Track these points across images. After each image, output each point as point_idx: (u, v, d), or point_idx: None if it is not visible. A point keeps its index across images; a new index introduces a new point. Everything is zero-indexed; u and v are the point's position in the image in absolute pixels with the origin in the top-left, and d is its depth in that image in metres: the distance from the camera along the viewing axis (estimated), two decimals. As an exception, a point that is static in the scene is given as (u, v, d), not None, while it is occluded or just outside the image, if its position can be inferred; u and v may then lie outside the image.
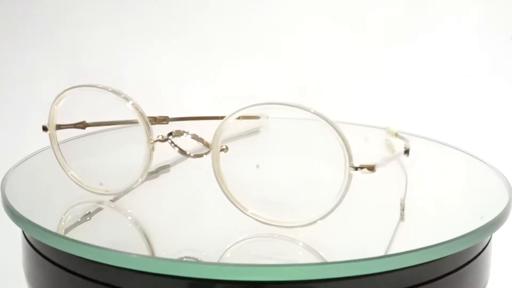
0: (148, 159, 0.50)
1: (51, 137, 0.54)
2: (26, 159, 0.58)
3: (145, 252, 0.45)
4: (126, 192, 0.51)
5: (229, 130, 0.47)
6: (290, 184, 0.56)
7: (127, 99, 0.51)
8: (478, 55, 0.90)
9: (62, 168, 0.54)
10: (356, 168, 0.45)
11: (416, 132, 0.66)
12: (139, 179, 0.51)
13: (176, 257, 0.44)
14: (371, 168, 0.45)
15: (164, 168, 0.57)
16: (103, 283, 0.44)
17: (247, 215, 0.47)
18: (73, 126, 0.58)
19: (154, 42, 0.94)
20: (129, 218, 0.51)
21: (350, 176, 0.45)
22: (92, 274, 0.44)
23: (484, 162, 0.59)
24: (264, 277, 0.41)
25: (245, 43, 0.93)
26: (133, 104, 0.51)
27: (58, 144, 0.54)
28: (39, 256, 0.48)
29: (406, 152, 0.56)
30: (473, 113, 0.91)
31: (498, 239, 0.54)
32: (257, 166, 0.61)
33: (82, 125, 0.58)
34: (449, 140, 0.65)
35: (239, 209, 0.47)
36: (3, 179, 0.53)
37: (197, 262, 0.42)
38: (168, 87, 0.93)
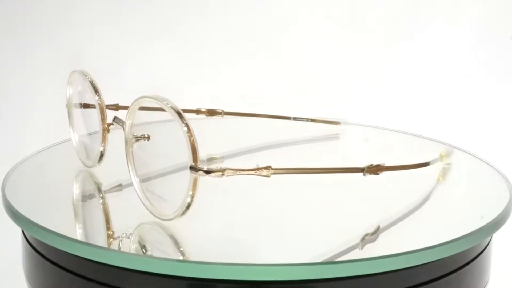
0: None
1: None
2: (26, 159, 0.58)
3: (141, 250, 0.45)
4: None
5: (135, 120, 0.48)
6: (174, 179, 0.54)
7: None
8: (478, 55, 0.90)
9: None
10: (198, 170, 0.43)
11: (417, 132, 0.66)
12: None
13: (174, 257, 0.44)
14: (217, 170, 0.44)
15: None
16: (103, 283, 0.44)
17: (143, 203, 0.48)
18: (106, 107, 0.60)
19: (154, 42, 0.94)
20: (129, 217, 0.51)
21: (193, 178, 0.44)
22: (92, 274, 0.44)
23: (485, 162, 0.59)
24: (264, 277, 0.41)
25: (244, 42, 0.93)
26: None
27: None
28: (39, 256, 0.48)
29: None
30: (474, 112, 0.91)
31: (498, 239, 0.54)
32: (257, 165, 0.61)
33: (115, 107, 0.59)
34: (449, 140, 0.65)
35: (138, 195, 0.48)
36: (4, 179, 0.53)
37: (197, 262, 0.42)
38: (168, 87, 0.93)
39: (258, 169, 0.45)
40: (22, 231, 0.51)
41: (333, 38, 0.93)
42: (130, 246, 0.45)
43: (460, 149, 0.62)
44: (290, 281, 0.41)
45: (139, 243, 0.46)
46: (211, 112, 0.64)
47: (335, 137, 0.67)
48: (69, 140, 0.62)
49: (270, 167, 0.45)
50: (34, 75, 0.95)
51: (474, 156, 0.61)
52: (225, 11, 0.94)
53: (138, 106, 0.48)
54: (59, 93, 0.94)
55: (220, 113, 0.64)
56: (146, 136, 0.49)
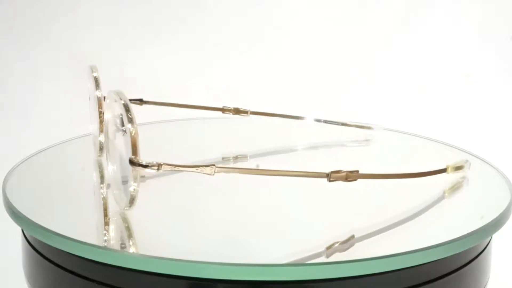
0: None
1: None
2: (27, 159, 0.58)
3: (144, 251, 0.45)
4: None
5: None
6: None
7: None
8: (478, 55, 0.90)
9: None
10: (135, 163, 0.44)
11: (417, 132, 0.66)
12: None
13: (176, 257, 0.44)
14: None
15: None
16: (103, 283, 0.44)
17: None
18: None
19: (155, 42, 0.94)
20: (129, 216, 0.51)
21: (133, 171, 0.45)
22: (92, 274, 0.44)
23: (485, 162, 0.59)
24: (264, 277, 0.41)
25: (244, 42, 0.93)
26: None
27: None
28: (39, 256, 0.48)
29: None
30: (474, 112, 0.91)
31: (498, 239, 0.54)
32: (257, 166, 0.61)
33: (139, 101, 0.62)
34: (449, 140, 0.65)
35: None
36: (4, 179, 0.53)
37: (197, 262, 0.42)
38: (168, 86, 0.93)
39: (199, 166, 0.45)
40: (22, 231, 0.51)
41: (333, 38, 0.93)
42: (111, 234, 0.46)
43: (460, 149, 0.62)
44: (290, 281, 0.41)
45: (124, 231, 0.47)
46: (237, 111, 0.64)
47: (365, 143, 0.66)
48: (69, 140, 0.63)
49: (214, 165, 0.45)
50: (34, 75, 0.95)
51: (474, 156, 0.61)
52: (227, 11, 0.94)
53: (111, 100, 0.49)
54: (59, 93, 0.94)
55: (246, 112, 0.64)
56: (123, 130, 0.50)
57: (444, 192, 0.54)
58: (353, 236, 0.46)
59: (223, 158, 0.61)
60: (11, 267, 0.68)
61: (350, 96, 0.92)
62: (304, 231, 0.49)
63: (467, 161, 0.56)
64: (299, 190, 0.54)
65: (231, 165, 0.59)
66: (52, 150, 0.60)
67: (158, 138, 0.67)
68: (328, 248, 0.44)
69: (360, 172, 0.47)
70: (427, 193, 0.54)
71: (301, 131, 0.67)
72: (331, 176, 0.46)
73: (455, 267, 0.46)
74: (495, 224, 0.48)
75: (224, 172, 0.46)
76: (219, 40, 0.94)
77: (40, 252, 0.48)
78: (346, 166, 0.47)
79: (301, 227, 0.49)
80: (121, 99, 0.46)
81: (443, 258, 0.44)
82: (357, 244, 0.46)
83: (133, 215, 0.51)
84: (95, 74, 0.58)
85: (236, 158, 0.61)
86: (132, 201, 0.46)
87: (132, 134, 0.45)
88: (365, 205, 0.53)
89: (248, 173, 0.48)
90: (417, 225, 0.50)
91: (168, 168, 0.45)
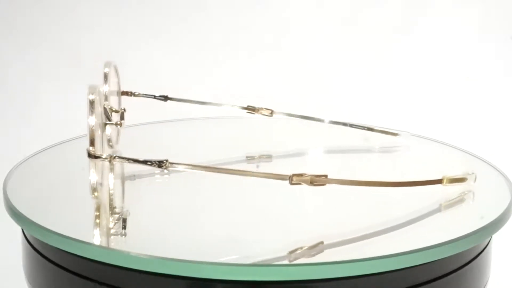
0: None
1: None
2: (27, 159, 0.58)
3: (144, 251, 0.45)
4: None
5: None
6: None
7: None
8: (478, 55, 0.90)
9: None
10: (90, 155, 0.47)
11: (417, 132, 0.66)
12: None
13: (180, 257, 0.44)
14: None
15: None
16: (103, 283, 0.44)
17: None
18: (153, 96, 0.64)
19: (154, 42, 0.94)
20: (129, 216, 0.51)
21: (92, 161, 0.47)
22: (92, 274, 0.44)
23: (485, 162, 0.59)
24: (264, 277, 0.41)
25: (244, 42, 0.93)
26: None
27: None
28: (39, 256, 0.48)
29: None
30: (474, 112, 0.91)
31: (498, 239, 0.54)
32: (257, 166, 0.61)
33: (164, 98, 0.64)
34: (450, 140, 0.65)
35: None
36: (5, 179, 0.53)
37: (197, 262, 0.42)
38: (168, 86, 0.93)
39: (151, 161, 0.47)
40: (23, 231, 0.51)
41: (335, 38, 0.93)
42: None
43: (460, 149, 0.62)
44: (290, 281, 0.41)
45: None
46: (260, 111, 0.64)
47: (392, 149, 0.64)
48: (69, 140, 0.63)
49: (167, 160, 0.47)
50: (34, 75, 0.95)
51: (474, 156, 0.61)
52: (227, 11, 0.94)
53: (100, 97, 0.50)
54: (59, 93, 0.94)
55: (269, 112, 0.64)
56: (118, 123, 0.54)
57: (440, 205, 0.52)
58: (322, 242, 0.46)
59: (247, 157, 0.62)
60: (11, 267, 0.68)
61: (350, 95, 0.92)
62: (280, 233, 0.48)
63: (472, 173, 0.54)
64: (300, 192, 0.53)
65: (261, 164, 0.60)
66: (52, 150, 0.60)
67: (182, 135, 0.68)
68: (291, 252, 0.44)
69: (329, 177, 0.47)
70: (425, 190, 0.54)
71: (325, 134, 0.67)
72: (292, 179, 0.46)
73: (455, 267, 0.46)
74: (495, 224, 0.48)
75: (176, 168, 0.47)
76: (222, 40, 0.94)
77: (40, 252, 0.48)
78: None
79: (281, 228, 0.49)
80: (92, 94, 0.48)
81: (443, 258, 0.45)
82: (363, 246, 0.46)
83: (133, 215, 0.51)
84: (106, 70, 0.59)
85: (260, 157, 0.61)
86: (93, 190, 0.48)
87: (91, 128, 0.47)
88: (359, 209, 0.53)
89: (202, 170, 0.49)
90: (417, 225, 0.50)
91: (119, 160, 0.47)
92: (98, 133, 0.47)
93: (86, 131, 0.60)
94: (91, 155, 0.47)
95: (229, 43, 0.94)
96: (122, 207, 0.52)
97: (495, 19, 0.90)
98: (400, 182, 0.50)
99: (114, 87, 0.61)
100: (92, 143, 0.47)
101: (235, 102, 0.66)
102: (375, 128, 0.64)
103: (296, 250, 0.44)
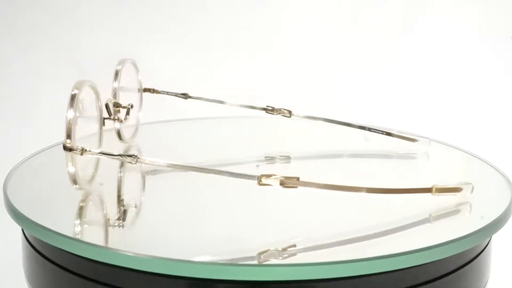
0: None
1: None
2: (28, 159, 0.58)
3: (144, 251, 0.45)
4: None
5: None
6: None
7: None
8: (478, 55, 0.90)
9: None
10: (64, 147, 0.49)
11: (418, 132, 0.66)
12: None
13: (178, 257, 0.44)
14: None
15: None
16: (103, 283, 0.44)
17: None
18: (174, 94, 0.66)
19: (154, 42, 0.94)
20: (129, 215, 0.51)
21: (68, 154, 0.49)
22: (92, 274, 0.44)
23: (485, 162, 0.59)
24: (264, 277, 0.41)
25: (245, 42, 0.93)
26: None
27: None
28: (39, 256, 0.48)
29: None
30: (474, 112, 0.91)
31: (498, 239, 0.54)
32: (257, 166, 0.61)
33: (184, 96, 0.66)
34: (450, 140, 0.64)
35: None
36: (5, 179, 0.53)
37: (197, 262, 0.42)
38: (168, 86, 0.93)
39: (121, 155, 0.49)
40: (23, 231, 0.51)
41: (335, 38, 0.93)
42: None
43: (460, 149, 0.62)
44: (290, 281, 0.41)
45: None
46: (279, 112, 0.64)
47: (411, 155, 0.63)
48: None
49: (135, 155, 0.48)
50: (34, 75, 0.95)
51: (474, 156, 0.61)
52: (227, 11, 0.94)
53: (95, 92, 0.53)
54: (59, 93, 0.94)
55: (288, 113, 0.64)
56: (117, 118, 0.56)
57: (430, 215, 0.50)
58: (294, 245, 0.45)
59: (265, 157, 0.62)
60: (11, 267, 0.68)
61: (350, 95, 0.92)
62: (268, 233, 0.48)
63: (470, 184, 0.51)
64: (300, 195, 0.53)
65: (276, 164, 0.61)
66: (52, 150, 0.60)
67: (203, 134, 0.69)
68: (261, 253, 0.44)
69: (301, 179, 0.46)
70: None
71: (344, 137, 0.66)
72: (261, 180, 0.46)
73: (455, 267, 0.46)
74: (495, 224, 0.48)
75: (145, 163, 0.49)
76: (222, 40, 0.94)
77: (40, 251, 0.48)
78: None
79: (270, 229, 0.49)
80: (76, 89, 0.50)
81: (443, 258, 0.44)
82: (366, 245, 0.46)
83: (133, 215, 0.51)
84: (118, 67, 0.61)
85: (278, 158, 0.62)
86: (72, 181, 0.50)
87: (69, 121, 0.49)
88: (354, 212, 0.52)
89: (173, 168, 0.50)
90: (417, 224, 0.50)
91: (90, 154, 0.49)
92: (75, 126, 0.49)
93: (86, 131, 0.61)
94: (66, 148, 0.49)
95: (229, 43, 0.94)
96: (128, 201, 0.53)
97: (495, 19, 0.90)
98: (383, 189, 0.49)
99: (134, 84, 0.63)
100: (68, 136, 0.49)
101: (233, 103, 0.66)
102: (394, 133, 0.63)
103: (266, 251, 0.44)
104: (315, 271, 0.41)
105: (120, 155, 0.49)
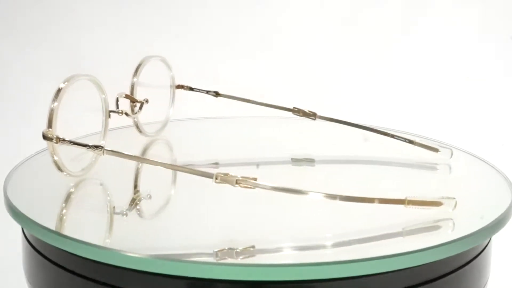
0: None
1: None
2: (28, 158, 0.58)
3: (144, 251, 0.45)
4: None
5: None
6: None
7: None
8: (478, 55, 0.90)
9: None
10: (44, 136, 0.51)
11: (418, 133, 0.66)
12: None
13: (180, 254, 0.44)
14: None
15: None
16: (103, 283, 0.44)
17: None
18: (205, 91, 0.67)
19: (155, 42, 0.94)
20: (130, 215, 0.52)
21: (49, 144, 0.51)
22: (92, 274, 0.44)
23: (485, 162, 0.59)
24: (264, 277, 0.41)
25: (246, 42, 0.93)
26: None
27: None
28: (39, 256, 0.48)
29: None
30: (474, 112, 0.91)
31: (498, 239, 0.54)
32: (257, 166, 0.61)
33: (215, 94, 0.66)
34: (450, 140, 0.64)
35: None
36: (6, 179, 0.53)
37: (197, 262, 0.42)
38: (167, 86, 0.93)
39: (88, 145, 0.51)
40: (23, 231, 0.51)
41: (335, 38, 0.93)
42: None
43: (460, 149, 0.62)
44: (290, 281, 0.41)
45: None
46: (305, 113, 0.64)
47: (431, 166, 0.61)
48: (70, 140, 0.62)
49: (102, 147, 0.50)
50: (34, 75, 0.95)
51: (474, 156, 0.61)
52: (227, 11, 0.94)
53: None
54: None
55: (313, 116, 0.64)
56: (121, 111, 0.57)
57: (402, 229, 0.48)
58: (253, 247, 0.45)
59: (292, 159, 0.62)
60: (11, 267, 0.68)
61: (350, 95, 0.92)
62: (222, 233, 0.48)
63: (453, 199, 0.49)
64: (301, 200, 0.53)
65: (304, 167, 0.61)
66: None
67: (233, 132, 0.70)
68: (219, 251, 0.44)
69: (258, 181, 0.47)
70: (426, 191, 0.53)
71: (368, 143, 0.66)
72: (217, 178, 0.47)
73: (455, 267, 0.46)
74: (495, 225, 0.48)
75: (112, 155, 0.50)
76: (224, 39, 0.94)
77: (40, 251, 0.48)
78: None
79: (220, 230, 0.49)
80: (64, 83, 0.52)
81: (443, 258, 0.44)
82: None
83: (133, 215, 0.51)
84: (141, 63, 0.63)
85: (304, 160, 0.62)
86: (58, 169, 0.52)
87: (51, 110, 0.51)
88: (349, 214, 0.53)
89: (135, 160, 0.54)
90: (417, 224, 0.50)
91: (66, 143, 0.51)
92: (56, 116, 0.51)
93: (87, 131, 0.61)
94: (45, 137, 0.51)
95: (228, 43, 0.94)
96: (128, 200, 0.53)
97: (495, 19, 0.90)
98: (352, 197, 0.48)
99: (167, 81, 0.65)
100: (50, 125, 0.51)
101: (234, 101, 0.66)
102: (416, 141, 0.62)
103: (222, 250, 0.44)
104: (315, 271, 0.41)
105: (87, 145, 0.51)
